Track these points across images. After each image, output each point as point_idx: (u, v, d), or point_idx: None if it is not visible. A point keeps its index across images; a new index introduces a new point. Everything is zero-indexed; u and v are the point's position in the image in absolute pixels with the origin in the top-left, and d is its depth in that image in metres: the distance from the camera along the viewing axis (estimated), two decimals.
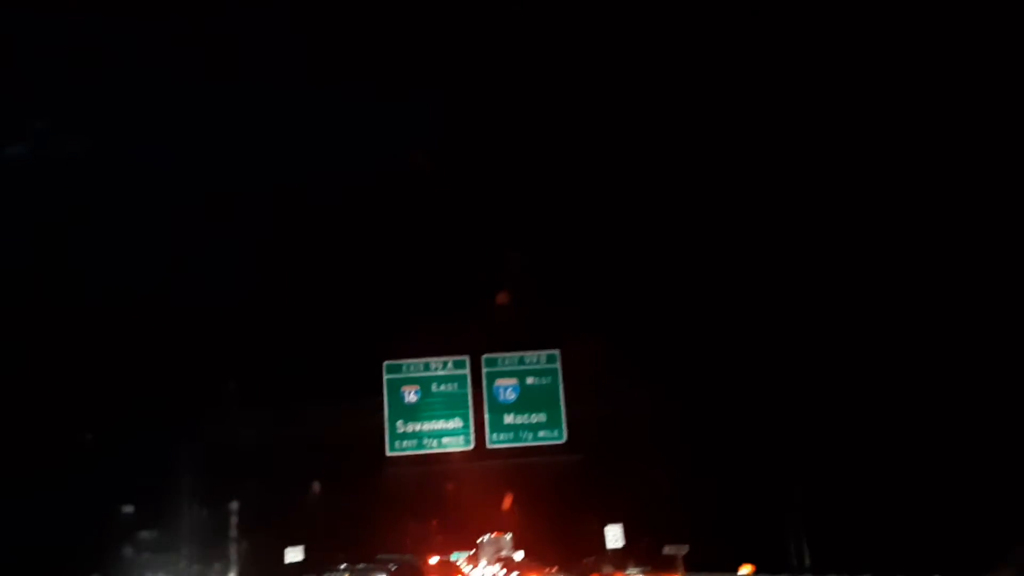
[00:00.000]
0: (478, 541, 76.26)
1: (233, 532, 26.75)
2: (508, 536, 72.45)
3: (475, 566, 67.71)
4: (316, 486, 29.33)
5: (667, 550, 30.58)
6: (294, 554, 38.97)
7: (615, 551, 33.02)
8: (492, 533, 73.95)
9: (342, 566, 10.82)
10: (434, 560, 41.51)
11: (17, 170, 20.93)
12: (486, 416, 25.66)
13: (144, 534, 25.96)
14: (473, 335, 26.54)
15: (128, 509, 25.89)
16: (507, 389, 25.90)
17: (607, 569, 18.82)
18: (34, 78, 19.80)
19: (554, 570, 28.88)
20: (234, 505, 26.56)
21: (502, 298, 27.15)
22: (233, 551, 25.89)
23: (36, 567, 22.04)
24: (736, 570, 22.77)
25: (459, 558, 63.33)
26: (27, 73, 19.54)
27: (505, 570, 55.65)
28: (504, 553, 68.76)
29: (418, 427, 25.53)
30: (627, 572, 18.67)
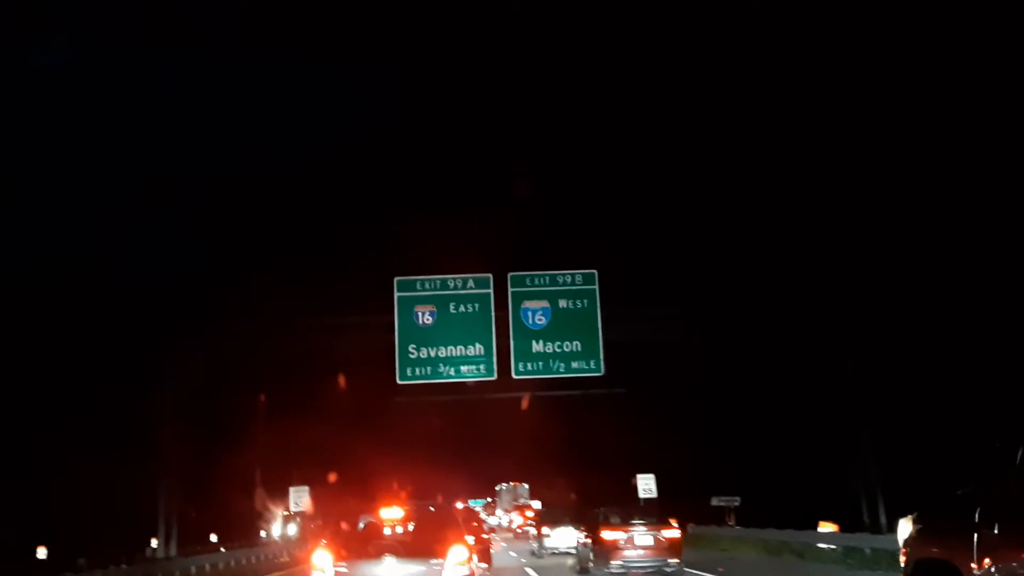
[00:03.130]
0: (496, 488, 75.30)
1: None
2: (525, 486, 71.46)
3: (492, 514, 66.23)
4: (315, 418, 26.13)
5: (715, 501, 27.56)
6: (298, 496, 36.31)
7: (647, 501, 30.27)
8: (510, 482, 72.82)
9: (395, 506, 9.81)
10: (458, 507, 38.98)
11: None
12: (511, 342, 21.92)
13: None
14: (499, 250, 22.94)
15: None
16: (536, 312, 22.22)
17: (615, 520, 17.23)
18: None
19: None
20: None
21: (531, 206, 23.43)
22: None
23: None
24: (812, 527, 19.25)
25: (477, 505, 61.61)
26: None
27: (522, 519, 54.60)
28: (522, 502, 67.86)
29: (433, 352, 21.92)
30: (631, 523, 16.83)
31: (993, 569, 4.98)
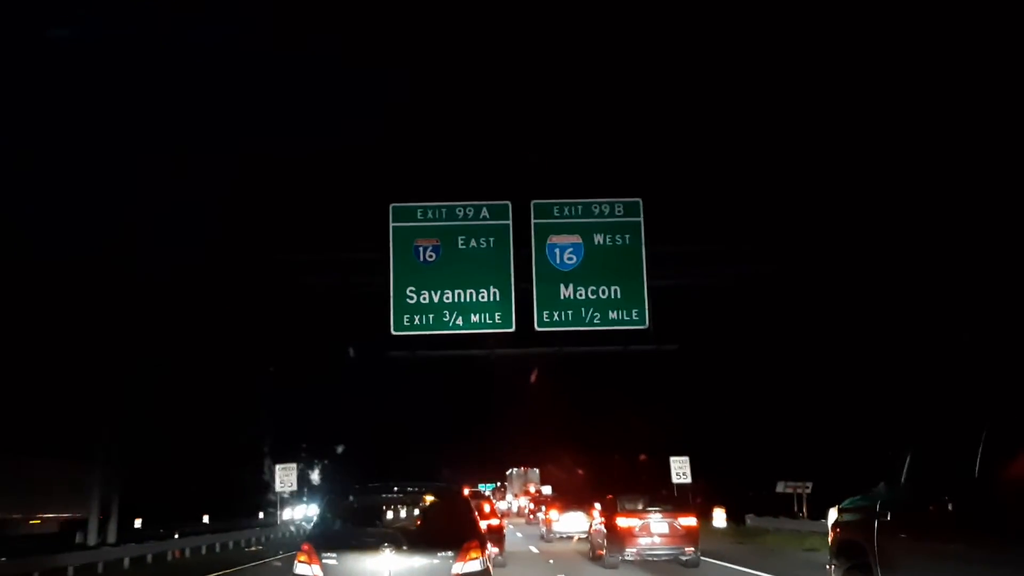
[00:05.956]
0: (507, 473, 72.90)
1: None
2: (536, 471, 69.38)
3: (502, 499, 63.64)
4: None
5: (781, 487, 23.88)
6: (285, 475, 32.53)
7: (680, 487, 27.11)
8: (520, 467, 70.62)
9: (396, 488, 8.81)
10: (465, 492, 35.95)
11: None
12: (534, 286, 17.96)
13: None
14: (520, 174, 18.82)
15: None
16: (566, 249, 18.20)
17: (630, 507, 17.17)
18: None
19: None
20: None
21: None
22: None
23: None
24: None
25: (487, 490, 58.80)
26: None
27: (533, 504, 53.13)
28: (533, 488, 65.95)
29: (436, 297, 17.93)
30: (647, 510, 16.93)
31: (884, 547, 6.45)
